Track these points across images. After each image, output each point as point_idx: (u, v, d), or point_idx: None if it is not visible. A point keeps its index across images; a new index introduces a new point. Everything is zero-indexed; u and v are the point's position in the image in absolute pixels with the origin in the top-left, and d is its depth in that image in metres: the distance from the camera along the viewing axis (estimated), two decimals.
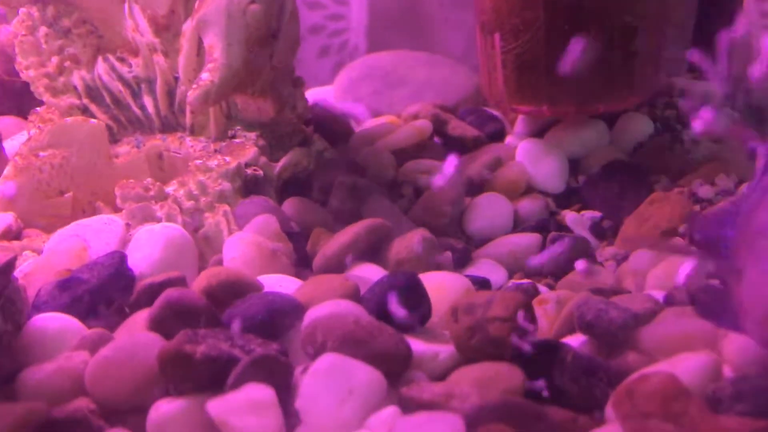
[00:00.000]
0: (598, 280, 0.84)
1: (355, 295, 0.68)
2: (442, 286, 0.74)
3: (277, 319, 0.63)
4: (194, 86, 0.84)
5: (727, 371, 0.57)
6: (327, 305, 0.64)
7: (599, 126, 1.09)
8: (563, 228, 1.00)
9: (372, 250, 0.82)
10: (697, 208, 0.93)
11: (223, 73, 0.86)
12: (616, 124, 1.11)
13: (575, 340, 0.66)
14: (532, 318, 0.61)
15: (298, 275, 0.81)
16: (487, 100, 1.18)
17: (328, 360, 0.57)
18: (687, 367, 0.55)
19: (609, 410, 0.56)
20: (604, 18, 1.01)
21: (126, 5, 1.00)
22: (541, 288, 0.82)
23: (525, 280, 0.85)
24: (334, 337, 0.57)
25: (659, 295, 0.74)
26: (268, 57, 0.93)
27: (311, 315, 0.63)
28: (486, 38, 1.11)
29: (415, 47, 1.36)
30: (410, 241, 0.81)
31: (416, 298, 0.65)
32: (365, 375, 0.55)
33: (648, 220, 0.97)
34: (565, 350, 0.60)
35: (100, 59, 1.01)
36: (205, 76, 0.85)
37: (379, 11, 1.38)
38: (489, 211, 0.96)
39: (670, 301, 0.73)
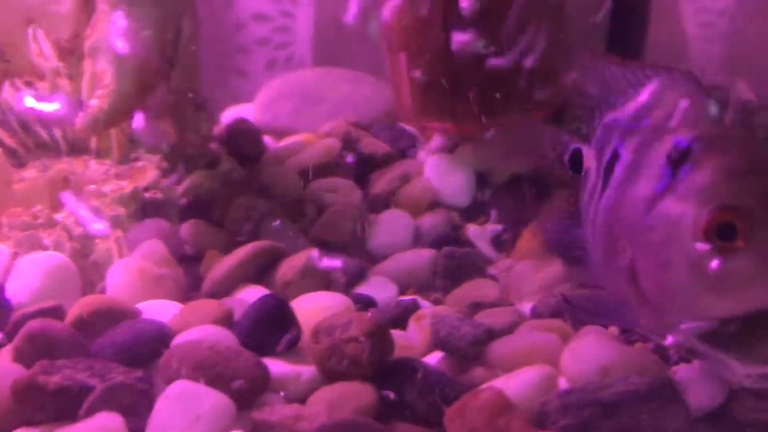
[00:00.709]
0: (483, 294, 0.87)
1: (227, 320, 0.70)
2: (321, 307, 0.76)
3: (144, 347, 0.65)
4: (82, 113, 0.86)
5: (563, 384, 0.60)
6: (193, 331, 0.66)
7: (506, 139, 1.16)
8: (466, 242, 1.04)
9: (261, 272, 0.84)
10: None
11: (113, 99, 0.87)
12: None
13: (436, 356, 0.69)
14: (385, 338, 0.63)
15: (188, 300, 0.83)
16: (398, 116, 1.22)
17: (177, 387, 0.58)
18: (521, 381, 0.58)
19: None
20: (502, 36, 1.05)
21: (30, 30, 1.02)
22: (424, 303, 0.85)
23: (412, 296, 0.88)
24: (187, 363, 0.59)
25: (528, 307, 0.78)
26: (164, 81, 0.95)
27: (176, 342, 0.65)
28: (393, 57, 1.13)
29: (362, 60, 1.39)
30: (296, 263, 0.83)
31: (284, 321, 0.68)
32: (213, 400, 0.57)
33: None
34: (417, 367, 0.62)
35: (6, 84, 1.03)
36: (93, 102, 0.87)
37: (325, 24, 1.39)
38: (390, 227, 0.98)
39: (535, 313, 0.76)
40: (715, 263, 0.53)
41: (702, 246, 0.53)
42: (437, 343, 0.66)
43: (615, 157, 0.66)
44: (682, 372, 0.61)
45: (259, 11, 1.41)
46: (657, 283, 0.57)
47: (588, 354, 0.60)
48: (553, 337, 0.65)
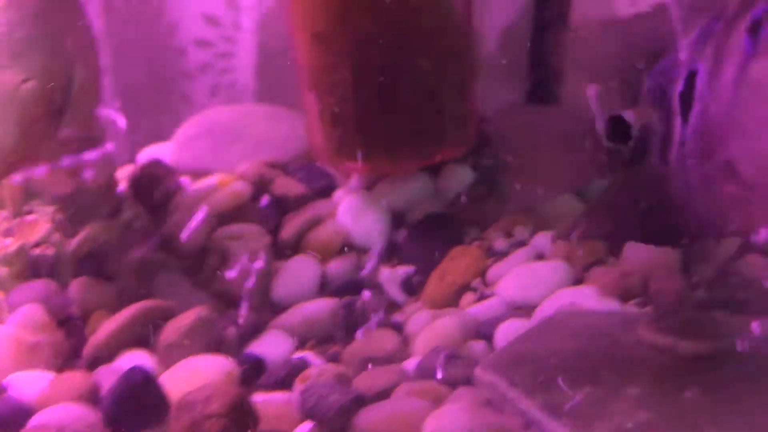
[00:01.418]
0: (380, 347, 0.85)
1: (93, 396, 0.67)
2: (201, 373, 0.74)
3: None
4: None
5: None
6: (50, 411, 0.63)
7: (423, 178, 1.09)
8: (375, 286, 1.02)
9: (147, 334, 0.81)
10: (490, 261, 0.95)
11: None
12: (439, 174, 1.16)
13: (306, 427, 0.66)
14: (246, 413, 0.61)
15: (68, 368, 0.80)
16: (313, 156, 1.20)
17: None
18: None
19: None
20: (409, 76, 1.03)
21: None
22: (317, 361, 0.82)
23: (309, 351, 0.86)
24: None
25: (414, 362, 0.76)
26: (53, 132, 0.92)
27: (30, 424, 0.62)
28: (306, 95, 1.12)
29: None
30: (182, 323, 0.80)
31: (148, 396, 0.65)
32: None
33: (447, 275, 0.97)
34: None
35: None
36: None
37: (268, 50, 1.38)
38: (294, 275, 0.95)
39: (419, 370, 0.73)
40: None
41: None
42: (306, 414, 0.64)
43: (692, 78, 0.61)
44: None
45: (201, 37, 1.40)
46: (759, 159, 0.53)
47: (448, 424, 0.58)
48: (423, 404, 0.62)
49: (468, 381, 0.71)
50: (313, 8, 0.99)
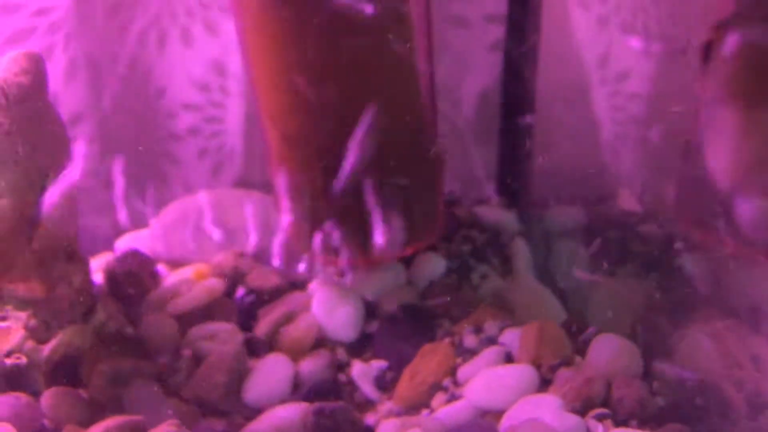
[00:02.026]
0: None
1: None
2: None
3: None
4: None
5: None
6: None
7: (396, 267, 1.11)
8: (348, 384, 1.02)
9: None
10: (460, 360, 0.96)
11: None
12: (412, 263, 1.16)
13: None
14: None
15: None
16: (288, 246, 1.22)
17: None
18: None
19: None
20: (378, 175, 1.03)
21: None
22: None
23: None
24: None
25: None
26: (25, 243, 0.93)
27: None
28: (278, 191, 1.14)
29: None
30: None
31: None
32: None
33: (418, 374, 0.97)
34: None
35: None
36: None
37: (255, 114, 1.40)
38: (266, 377, 0.95)
39: None
40: None
41: None
42: None
43: None
44: None
45: (189, 101, 1.42)
46: None
47: None
48: None
49: None
50: (282, 112, 1.02)
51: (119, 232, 1.33)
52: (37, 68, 0.99)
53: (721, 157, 0.76)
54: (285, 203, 1.11)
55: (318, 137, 1.04)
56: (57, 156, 1.02)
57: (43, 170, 0.96)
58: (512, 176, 1.35)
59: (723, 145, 0.78)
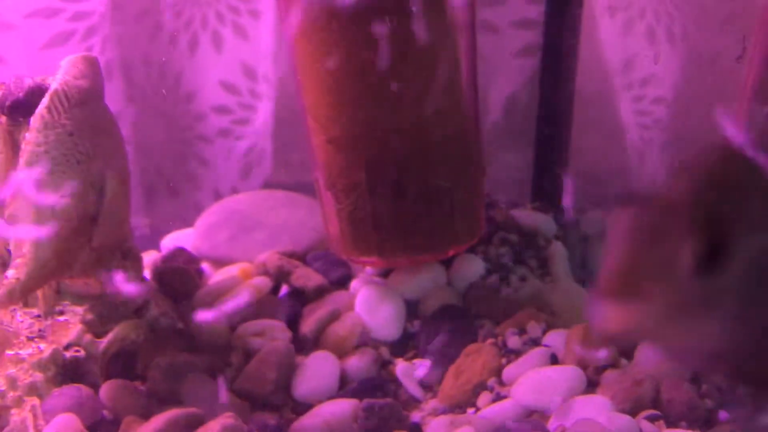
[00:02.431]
0: None
1: None
2: None
3: None
4: None
5: None
6: None
7: (436, 268, 1.14)
8: (393, 381, 1.04)
9: None
10: (504, 361, 0.98)
11: (30, 268, 0.88)
12: (452, 265, 1.18)
13: None
14: None
15: None
16: (329, 247, 1.24)
17: None
18: None
19: None
20: (421, 177, 1.06)
21: None
22: None
23: None
24: None
25: None
26: (86, 241, 0.96)
27: None
28: (322, 193, 1.16)
29: None
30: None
31: None
32: None
33: (463, 373, 1.00)
34: None
35: None
36: (11, 273, 0.88)
37: (285, 117, 1.43)
38: (314, 373, 0.98)
39: None
40: None
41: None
42: None
43: None
44: None
45: (219, 104, 1.45)
46: None
47: None
48: None
49: None
50: (328, 117, 1.04)
51: (155, 232, 1.38)
52: (94, 71, 1.02)
53: None
54: (328, 205, 1.14)
55: (363, 141, 1.07)
56: (114, 157, 1.06)
57: (102, 171, 1.00)
58: (548, 180, 1.37)
59: None
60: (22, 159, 0.96)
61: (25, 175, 0.92)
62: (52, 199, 0.90)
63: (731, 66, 1.20)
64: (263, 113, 1.48)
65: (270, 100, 1.45)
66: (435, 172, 1.08)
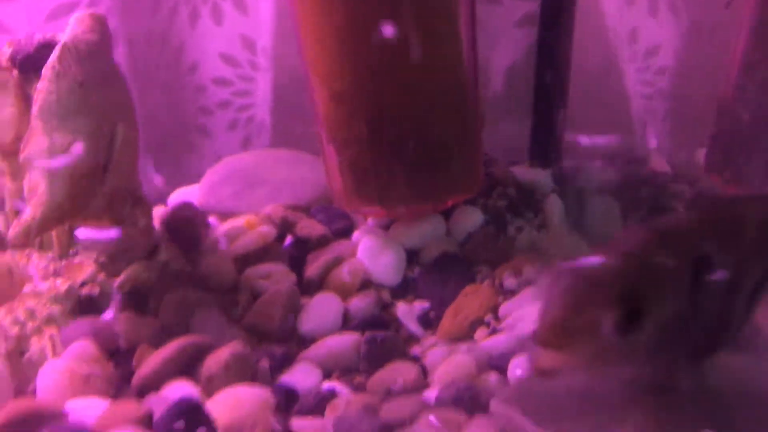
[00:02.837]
0: (401, 377, 0.91)
1: (146, 421, 0.74)
2: (239, 402, 0.81)
3: None
4: (15, 222, 0.91)
5: None
6: None
7: (436, 219, 1.18)
8: (393, 321, 1.08)
9: (189, 365, 0.89)
10: (501, 299, 1.03)
11: (46, 208, 0.92)
12: (451, 216, 1.22)
13: None
14: None
15: (119, 396, 0.86)
16: (332, 200, 1.27)
17: None
18: None
19: None
20: (421, 127, 1.10)
21: None
22: (344, 390, 0.89)
23: (336, 381, 0.92)
24: None
25: (435, 393, 0.83)
26: (98, 186, 0.99)
27: None
28: (324, 146, 1.20)
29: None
30: (221, 357, 0.87)
31: (196, 422, 0.72)
32: None
33: (461, 311, 1.05)
34: None
35: None
36: (26, 212, 0.92)
37: (284, 87, 1.45)
38: (319, 311, 1.02)
39: (438, 400, 0.80)
40: None
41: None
42: None
43: None
44: None
45: (219, 76, 1.48)
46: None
47: None
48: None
49: (484, 409, 0.77)
50: (331, 71, 1.07)
51: (161, 194, 1.41)
52: (102, 28, 1.06)
53: None
54: (330, 159, 1.17)
55: (364, 95, 1.10)
56: (123, 109, 1.09)
57: (112, 120, 1.04)
58: (545, 144, 1.41)
59: None
60: (35, 106, 1.01)
61: (39, 121, 0.96)
62: (64, 142, 0.94)
63: (729, 36, 1.24)
64: (263, 85, 1.51)
65: (269, 72, 1.48)
66: (435, 123, 1.13)
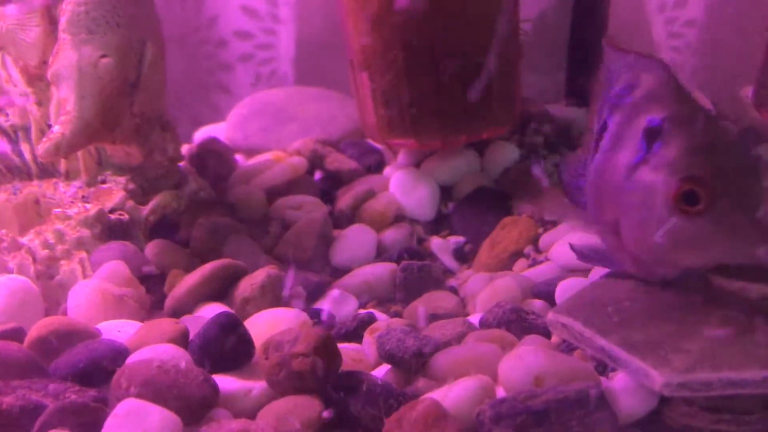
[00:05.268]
0: (440, 306, 0.89)
1: (182, 339, 0.72)
2: (277, 323, 0.78)
3: (99, 367, 0.67)
4: (45, 138, 0.88)
5: (500, 393, 0.62)
6: (148, 350, 0.68)
7: (470, 154, 1.15)
8: (429, 254, 1.06)
9: (222, 289, 0.86)
10: (541, 230, 1.00)
11: (75, 126, 0.89)
12: (486, 151, 1.19)
13: (384, 369, 0.70)
14: (331, 352, 0.65)
15: (150, 318, 0.84)
16: (364, 133, 1.24)
17: (126, 405, 0.60)
18: (458, 391, 0.60)
19: None
20: (458, 57, 1.06)
21: None
22: (382, 317, 0.87)
23: (372, 310, 0.90)
24: (136, 382, 0.61)
25: (477, 318, 0.80)
26: (127, 106, 0.97)
27: (129, 361, 0.67)
28: (357, 75, 1.16)
29: (343, 76, 1.42)
30: (255, 280, 0.85)
31: (237, 338, 0.70)
32: (159, 418, 0.59)
33: (499, 243, 1.02)
34: (362, 380, 0.64)
35: None
36: (56, 128, 0.89)
37: (306, 40, 1.42)
38: (353, 242, 1.00)
39: (483, 323, 0.78)
40: (680, 224, 0.64)
41: (670, 209, 0.64)
42: (383, 356, 0.68)
43: (604, 127, 0.77)
44: (616, 380, 0.63)
45: (241, 28, 1.44)
46: (636, 237, 0.68)
47: (523, 364, 0.61)
48: (494, 348, 0.67)
49: (531, 332, 0.75)
50: None
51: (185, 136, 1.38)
52: None
53: None
54: (363, 87, 1.13)
55: (400, 18, 1.05)
56: (152, 29, 1.06)
57: (141, 37, 1.00)
58: (581, 84, 1.36)
59: None
60: (63, 19, 0.97)
61: (67, 35, 0.93)
62: (94, 55, 0.91)
63: None
64: (285, 38, 1.47)
65: (292, 23, 1.44)
66: (472, 51, 1.09)
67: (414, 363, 0.67)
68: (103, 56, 0.91)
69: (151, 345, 0.70)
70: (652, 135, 0.70)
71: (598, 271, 0.84)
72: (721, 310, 0.61)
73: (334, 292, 0.91)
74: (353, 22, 1.11)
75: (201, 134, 1.35)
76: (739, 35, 1.35)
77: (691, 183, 0.64)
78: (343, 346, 0.77)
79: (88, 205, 0.94)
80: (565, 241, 0.93)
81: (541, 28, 1.41)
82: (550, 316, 0.68)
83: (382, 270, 0.93)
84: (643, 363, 0.56)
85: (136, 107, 0.98)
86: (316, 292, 0.91)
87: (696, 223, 0.63)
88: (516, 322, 0.74)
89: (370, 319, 0.82)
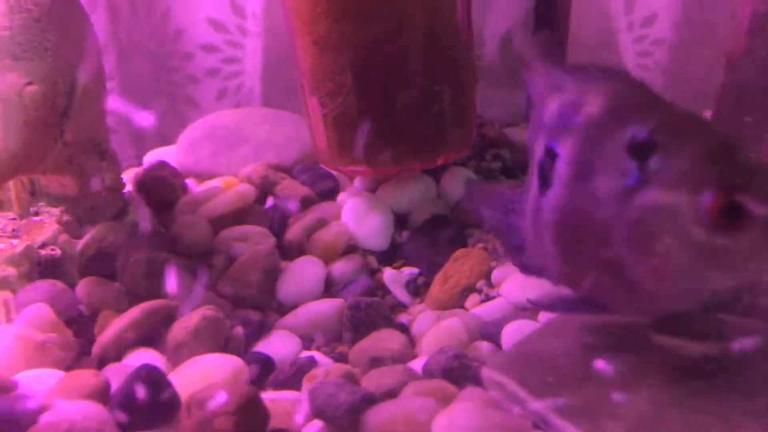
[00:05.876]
0: (386, 347, 0.85)
1: (103, 394, 0.67)
2: (210, 372, 0.74)
3: (9, 426, 0.63)
4: None
5: None
6: (60, 408, 0.63)
7: (427, 181, 1.11)
8: (380, 287, 1.02)
9: (154, 333, 0.82)
10: (494, 264, 0.97)
11: (0, 158, 0.85)
12: (442, 178, 1.16)
13: (316, 425, 0.67)
14: (256, 410, 0.61)
15: (78, 366, 0.80)
16: (317, 159, 1.21)
17: None
18: None
19: None
20: (410, 81, 1.03)
21: None
22: (325, 360, 0.83)
23: (315, 351, 0.86)
24: None
25: (422, 362, 0.77)
26: (58, 135, 0.92)
27: (42, 420, 0.63)
28: (307, 100, 1.12)
29: None
30: (189, 323, 0.81)
31: (159, 394, 0.65)
32: None
33: (451, 277, 0.98)
34: None
35: None
36: None
37: (275, 55, 1.38)
38: (300, 276, 0.96)
39: (426, 370, 0.74)
40: (722, 241, 0.55)
41: (709, 228, 0.55)
42: (314, 412, 0.64)
43: (551, 156, 0.66)
44: None
45: (207, 42, 1.41)
46: (654, 269, 0.58)
47: (454, 425, 0.58)
48: (430, 403, 0.63)
49: (475, 381, 0.72)
50: (314, 15, 0.99)
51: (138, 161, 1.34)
52: None
53: None
54: (314, 112, 1.10)
55: (350, 42, 1.02)
56: (86, 54, 1.01)
57: (72, 63, 0.96)
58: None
59: None
60: None
61: None
62: (18, 83, 0.86)
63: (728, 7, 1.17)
64: (252, 52, 1.44)
65: (259, 37, 1.41)
66: (424, 75, 1.05)
67: (347, 420, 0.64)
68: (29, 84, 0.87)
69: (69, 401, 0.66)
70: (641, 151, 0.60)
71: (545, 314, 0.82)
72: (659, 372, 0.58)
73: (279, 332, 0.87)
74: (301, 44, 1.08)
75: (150, 157, 1.31)
76: (704, 55, 1.34)
77: (730, 193, 0.55)
78: (279, 396, 0.73)
79: (14, 241, 0.89)
80: (515, 279, 0.91)
81: (506, 45, 1.40)
82: (485, 372, 0.64)
83: (328, 307, 0.89)
84: (578, 431, 0.54)
85: (68, 136, 0.94)
86: (257, 332, 0.87)
87: (741, 238, 0.55)
88: (458, 370, 0.71)
89: (310, 364, 0.78)
